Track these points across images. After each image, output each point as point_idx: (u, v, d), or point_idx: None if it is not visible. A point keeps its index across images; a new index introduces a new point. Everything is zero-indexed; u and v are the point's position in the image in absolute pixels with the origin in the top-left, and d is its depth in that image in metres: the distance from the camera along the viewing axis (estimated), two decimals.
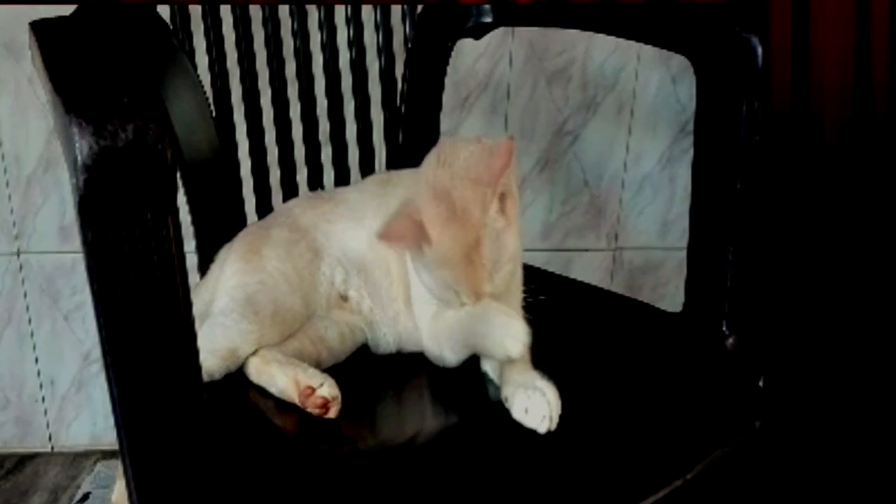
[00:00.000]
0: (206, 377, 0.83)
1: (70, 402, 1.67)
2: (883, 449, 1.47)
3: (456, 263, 0.85)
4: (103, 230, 0.56)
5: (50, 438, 1.70)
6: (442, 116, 1.25)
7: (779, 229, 1.40)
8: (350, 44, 1.18)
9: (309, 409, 0.85)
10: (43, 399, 1.66)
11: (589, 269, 1.64)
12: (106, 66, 0.64)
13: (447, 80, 1.24)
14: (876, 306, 1.44)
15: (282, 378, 0.87)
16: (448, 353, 0.92)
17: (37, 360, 1.63)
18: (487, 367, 0.92)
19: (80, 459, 1.69)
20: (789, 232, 1.41)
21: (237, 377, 0.90)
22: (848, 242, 1.41)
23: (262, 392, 0.89)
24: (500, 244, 0.86)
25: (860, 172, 1.38)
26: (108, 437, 1.69)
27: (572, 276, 1.59)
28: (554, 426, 0.81)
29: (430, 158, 0.92)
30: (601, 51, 1.50)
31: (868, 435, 1.48)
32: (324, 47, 1.17)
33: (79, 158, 0.54)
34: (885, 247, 1.41)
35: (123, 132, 0.54)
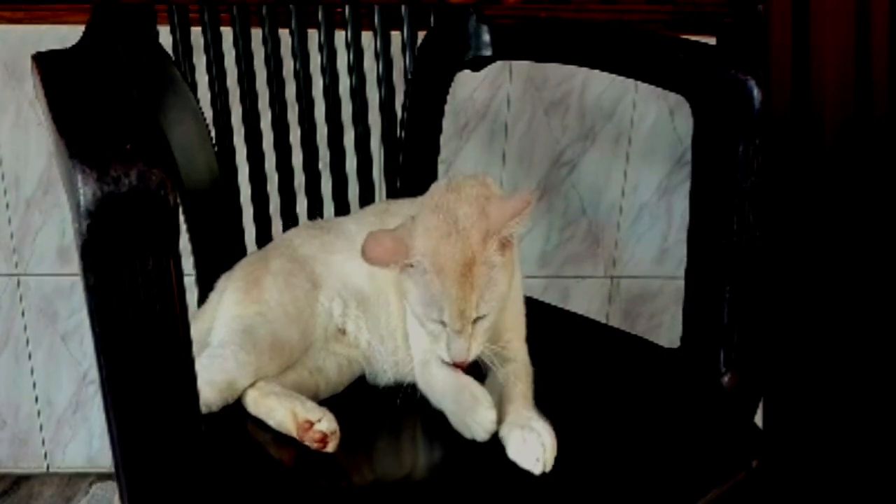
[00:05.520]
0: (203, 409, 0.83)
1: (66, 423, 1.66)
2: (883, 490, 1.46)
3: (448, 274, 0.84)
4: (106, 274, 0.56)
5: (46, 459, 1.69)
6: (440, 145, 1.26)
7: (778, 235, 1.39)
8: (350, 70, 1.19)
9: (307, 443, 0.85)
10: (39, 418, 1.66)
11: (586, 297, 1.64)
12: (109, 109, 0.65)
13: (445, 108, 1.25)
14: (878, 329, 1.43)
15: (280, 411, 0.87)
16: (433, 401, 0.92)
17: (34, 381, 1.63)
18: None
19: (75, 480, 1.68)
20: (788, 238, 1.40)
21: (235, 409, 0.90)
22: (848, 248, 1.40)
23: (260, 424, 0.89)
24: (492, 278, 0.86)
25: (860, 172, 1.38)
26: (104, 459, 1.68)
27: (570, 303, 1.60)
28: (548, 468, 0.81)
29: (439, 184, 0.93)
30: (599, 82, 1.51)
31: (869, 476, 1.47)
32: (324, 71, 1.18)
33: (82, 203, 0.54)
34: (885, 250, 1.40)
35: (126, 178, 0.55)
